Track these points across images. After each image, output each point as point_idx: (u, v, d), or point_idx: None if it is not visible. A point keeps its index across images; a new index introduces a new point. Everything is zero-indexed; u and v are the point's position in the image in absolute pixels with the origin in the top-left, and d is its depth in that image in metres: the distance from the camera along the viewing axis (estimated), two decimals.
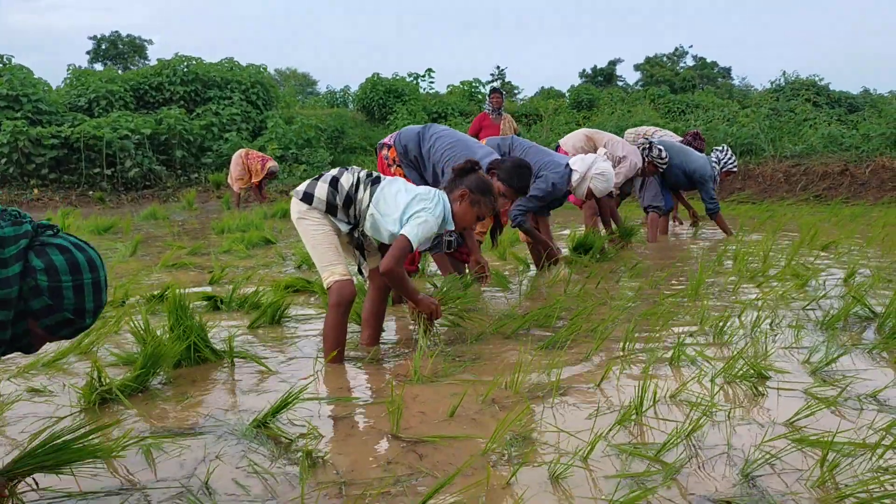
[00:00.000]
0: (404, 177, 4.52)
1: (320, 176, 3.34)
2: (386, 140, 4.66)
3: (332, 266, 3.27)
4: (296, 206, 3.32)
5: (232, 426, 2.58)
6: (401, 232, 3.15)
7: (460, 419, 2.63)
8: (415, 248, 3.18)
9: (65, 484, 2.09)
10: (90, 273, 1.63)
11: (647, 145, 6.99)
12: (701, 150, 8.16)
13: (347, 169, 3.36)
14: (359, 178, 3.31)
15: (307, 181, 3.36)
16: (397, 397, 2.61)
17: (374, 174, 3.37)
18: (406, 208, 3.20)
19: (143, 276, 5.79)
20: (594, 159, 5.04)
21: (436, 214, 3.20)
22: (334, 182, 3.28)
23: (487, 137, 5.84)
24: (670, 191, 7.87)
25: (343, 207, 3.28)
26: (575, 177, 4.97)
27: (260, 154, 12.67)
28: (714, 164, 7.62)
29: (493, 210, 3.40)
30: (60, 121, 16.05)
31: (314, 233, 3.28)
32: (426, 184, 4.47)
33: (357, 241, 3.43)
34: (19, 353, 1.68)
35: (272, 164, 12.46)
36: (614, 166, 6.21)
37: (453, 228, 3.37)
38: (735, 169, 8.04)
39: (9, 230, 1.54)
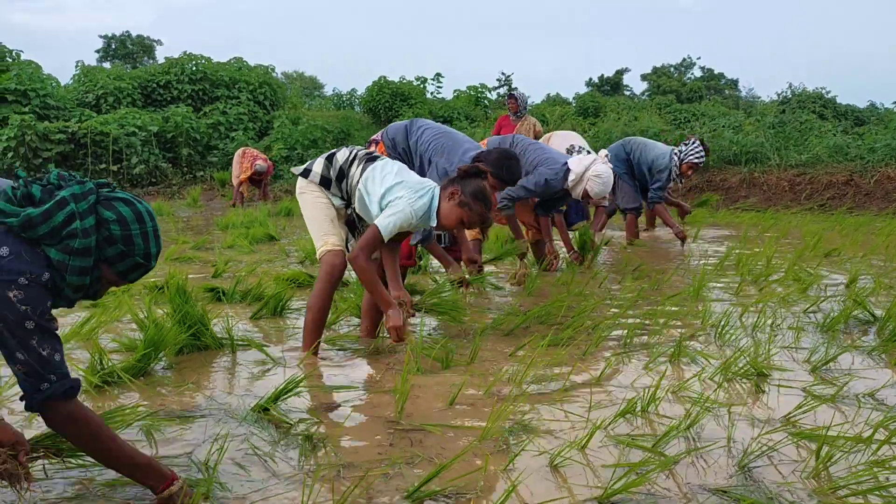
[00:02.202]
0: None
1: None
2: (374, 137, 4.66)
3: (325, 236, 3.25)
4: (298, 183, 3.36)
5: (233, 410, 2.60)
6: (375, 222, 3.07)
7: (461, 409, 2.65)
8: (385, 238, 3.05)
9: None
10: (151, 222, 1.80)
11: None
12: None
13: (349, 146, 3.37)
14: (355, 155, 3.29)
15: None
16: (404, 385, 2.62)
17: (375, 154, 3.33)
18: (386, 192, 3.11)
19: None
20: (592, 160, 4.98)
21: (415, 207, 3.06)
22: (330, 156, 3.31)
23: (489, 138, 5.85)
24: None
25: (336, 181, 3.27)
26: (571, 177, 4.94)
27: (255, 152, 12.68)
28: (675, 155, 7.23)
29: (484, 222, 3.21)
30: (68, 116, 16.10)
31: (312, 204, 3.29)
32: None
33: (349, 218, 3.41)
34: (88, 300, 1.85)
35: (259, 162, 12.44)
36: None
37: (435, 225, 3.20)
38: (698, 161, 7.19)
39: (76, 188, 1.71)
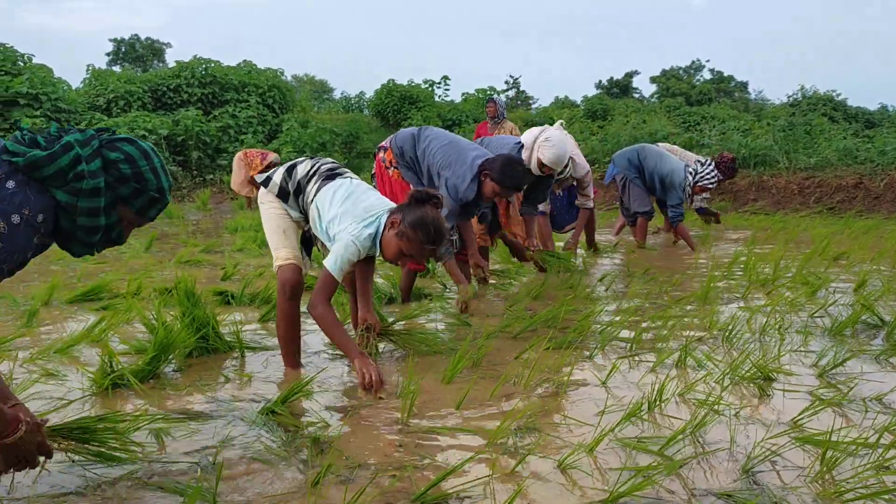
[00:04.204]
0: (401, 178, 4.50)
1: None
2: (383, 143, 4.66)
3: (277, 250, 3.16)
4: (259, 191, 3.28)
5: (242, 413, 2.62)
6: (324, 264, 2.95)
7: (468, 411, 2.66)
8: (339, 279, 2.94)
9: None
10: (157, 157, 1.89)
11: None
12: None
13: (313, 158, 3.28)
14: (316, 170, 3.18)
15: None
16: (415, 387, 2.64)
17: (337, 170, 3.21)
18: (331, 222, 3.02)
19: (156, 271, 5.86)
20: (542, 129, 4.84)
21: (360, 238, 2.91)
22: (291, 168, 3.22)
23: None
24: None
25: (294, 195, 3.18)
26: (525, 152, 4.83)
27: (259, 150, 12.55)
28: (689, 173, 7.32)
29: (425, 255, 2.95)
30: (79, 119, 16.21)
31: (268, 215, 3.22)
32: (422, 185, 4.44)
33: (306, 235, 3.32)
34: (113, 246, 1.92)
35: (273, 155, 12.27)
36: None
37: (377, 254, 3.07)
38: (711, 186, 7.37)
39: (78, 135, 1.79)
